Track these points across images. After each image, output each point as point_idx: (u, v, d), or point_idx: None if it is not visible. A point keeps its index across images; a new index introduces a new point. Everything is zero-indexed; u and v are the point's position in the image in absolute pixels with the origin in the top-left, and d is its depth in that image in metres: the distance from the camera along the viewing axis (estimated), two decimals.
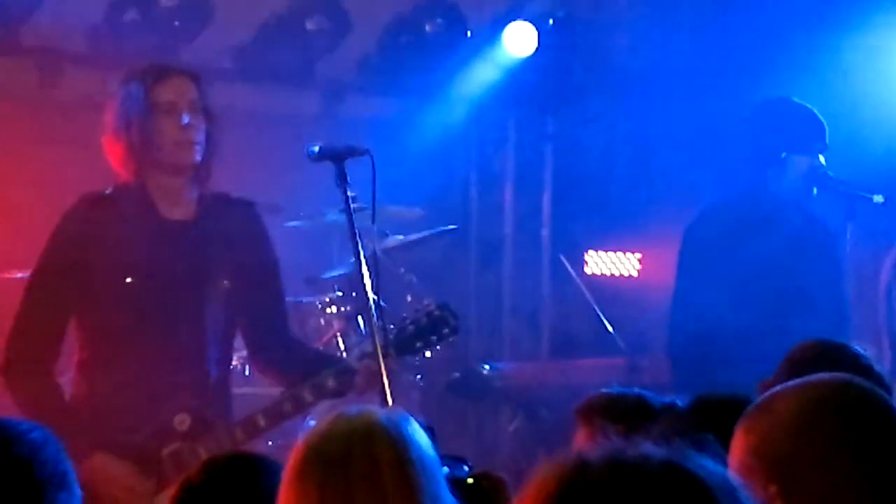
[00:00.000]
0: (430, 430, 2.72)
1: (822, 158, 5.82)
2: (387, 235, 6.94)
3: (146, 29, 7.06)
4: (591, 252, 8.62)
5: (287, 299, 6.71)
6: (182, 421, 4.72)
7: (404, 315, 5.15)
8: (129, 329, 4.77)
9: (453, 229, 7.25)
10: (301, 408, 4.79)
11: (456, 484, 2.74)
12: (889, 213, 5.90)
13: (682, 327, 5.87)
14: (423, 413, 7.01)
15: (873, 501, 2.36)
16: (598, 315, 7.72)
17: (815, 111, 5.88)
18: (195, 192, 4.91)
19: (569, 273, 8.08)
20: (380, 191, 7.00)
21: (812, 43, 7.50)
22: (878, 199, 5.79)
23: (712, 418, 2.84)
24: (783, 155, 5.76)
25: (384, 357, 4.68)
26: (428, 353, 5.16)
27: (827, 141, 5.83)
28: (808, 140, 5.82)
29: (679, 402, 3.28)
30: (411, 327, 4.98)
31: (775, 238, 5.76)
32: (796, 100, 5.98)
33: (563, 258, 8.18)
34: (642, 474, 1.80)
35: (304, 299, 6.72)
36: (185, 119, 4.79)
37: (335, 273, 6.82)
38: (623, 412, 3.31)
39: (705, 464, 1.84)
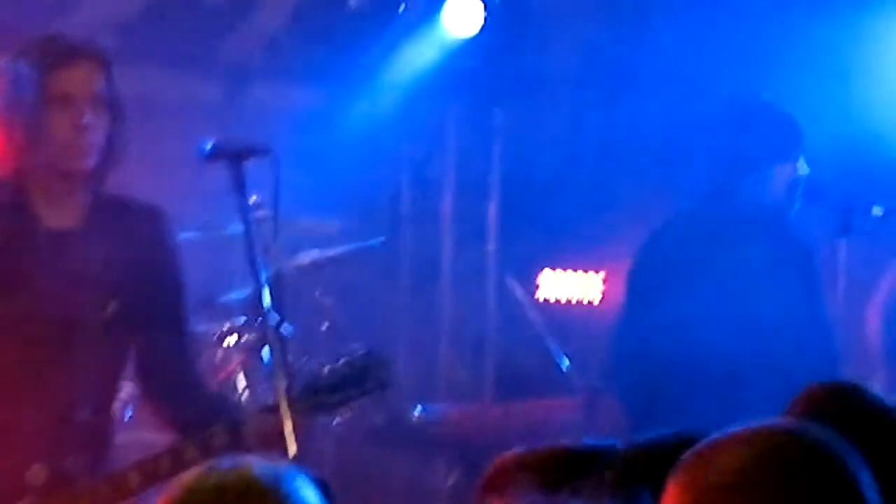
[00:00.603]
0: (324, 487, 2.61)
1: (802, 164, 5.75)
2: (299, 251, 6.87)
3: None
4: (545, 271, 8.56)
5: None
6: (37, 473, 4.55)
7: (321, 361, 4.96)
8: None
9: (380, 243, 7.20)
10: (182, 466, 4.44)
11: None
12: (889, 227, 5.90)
13: (630, 364, 5.82)
14: (338, 466, 6.96)
15: None
16: (552, 348, 7.61)
17: (786, 110, 5.84)
18: (87, 195, 4.72)
19: (518, 297, 7.95)
20: (292, 197, 6.81)
21: (802, 37, 7.43)
22: (877, 211, 5.79)
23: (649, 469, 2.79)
24: (759, 166, 5.71)
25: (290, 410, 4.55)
26: (343, 412, 5.04)
27: (804, 142, 5.78)
28: (789, 145, 5.75)
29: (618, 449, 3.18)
30: (327, 377, 4.80)
31: (745, 257, 5.70)
32: (767, 98, 6.02)
33: (510, 280, 8.07)
34: None
35: (198, 327, 6.34)
36: (85, 118, 4.59)
37: (236, 296, 6.71)
38: (548, 468, 3.06)
39: None
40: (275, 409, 4.57)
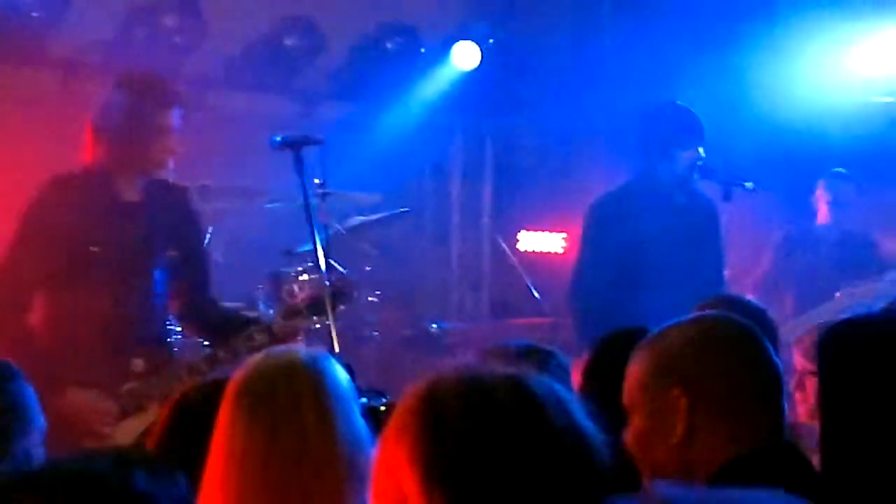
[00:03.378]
0: (348, 367, 2.65)
1: (701, 151, 5.82)
2: (350, 216, 6.88)
3: (152, 43, 6.96)
4: (524, 232, 8.58)
5: (267, 269, 6.85)
6: (137, 364, 4.63)
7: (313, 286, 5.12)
8: (94, 289, 4.62)
9: (406, 212, 7.13)
10: (234, 356, 4.57)
11: (371, 412, 2.69)
12: (758, 196, 6.00)
13: (584, 285, 5.83)
14: (381, 364, 6.97)
15: (757, 399, 2.51)
16: (528, 284, 7.73)
17: (693, 112, 5.88)
18: (143, 178, 4.80)
19: (505, 250, 8.05)
20: (346, 180, 6.97)
21: (705, 62, 7.46)
22: (749, 185, 5.86)
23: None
24: (671, 151, 5.78)
25: (299, 317, 4.75)
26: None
27: (704, 136, 5.83)
28: (690, 136, 5.80)
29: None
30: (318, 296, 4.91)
31: (664, 213, 5.76)
32: (679, 103, 5.97)
33: (499, 239, 8.11)
34: (486, 384, 1.80)
35: (282, 269, 6.50)
36: (175, 140, 4.70)
37: (308, 247, 6.74)
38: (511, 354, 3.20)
39: (544, 380, 1.84)
40: (292, 315, 4.73)
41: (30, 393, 2.58)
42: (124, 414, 4.59)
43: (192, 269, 4.92)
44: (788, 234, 7.13)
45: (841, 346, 2.68)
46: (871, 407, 2.54)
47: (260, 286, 6.65)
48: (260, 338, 4.66)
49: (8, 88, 6.89)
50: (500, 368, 1.83)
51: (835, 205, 6.94)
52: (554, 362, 3.07)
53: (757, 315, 3.48)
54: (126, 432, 4.56)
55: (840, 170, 7.03)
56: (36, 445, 2.53)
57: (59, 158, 6.44)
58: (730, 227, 6.03)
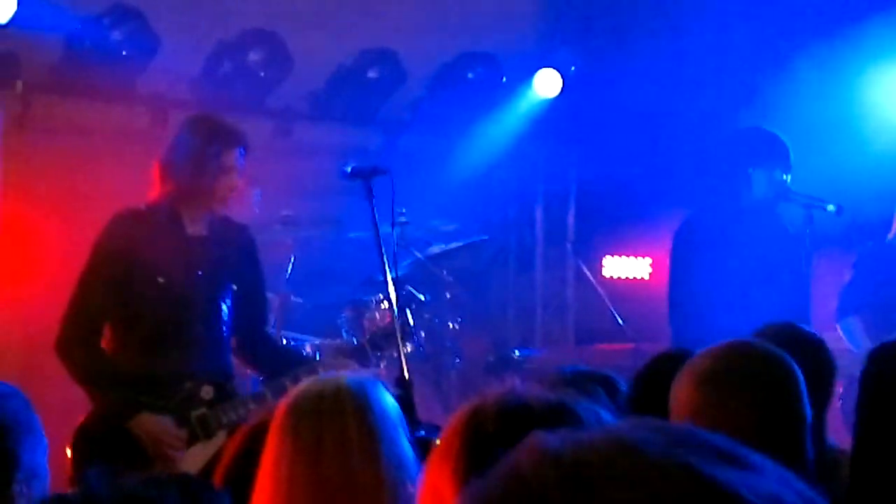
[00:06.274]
0: (398, 395, 2.70)
1: (787, 178, 5.75)
2: (430, 245, 6.97)
3: (238, 78, 7.10)
4: (608, 258, 8.61)
5: (349, 297, 6.93)
6: (207, 391, 4.75)
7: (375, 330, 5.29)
8: (163, 319, 4.74)
9: (486, 239, 7.18)
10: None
11: (422, 443, 2.67)
12: (842, 220, 5.90)
13: (681, 308, 5.83)
14: (462, 391, 7.02)
15: (762, 422, 2.57)
16: (612, 310, 7.70)
17: (779, 135, 5.83)
18: (208, 214, 4.91)
19: (588, 276, 8.05)
20: (428, 209, 7.03)
21: (787, 91, 7.38)
22: (832, 208, 5.75)
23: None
24: (749, 170, 5.76)
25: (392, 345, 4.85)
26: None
27: (790, 162, 5.77)
28: (769, 158, 5.75)
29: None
30: (380, 335, 5.15)
31: (746, 236, 5.73)
32: (763, 127, 5.93)
33: (582, 265, 8.12)
34: (528, 407, 1.82)
35: (364, 297, 6.70)
36: (237, 181, 4.81)
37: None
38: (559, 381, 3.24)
39: (588, 404, 1.86)
40: (351, 352, 4.90)
41: (35, 415, 2.65)
42: (193, 440, 4.73)
43: (250, 303, 5.02)
44: (868, 251, 6.93)
45: (883, 366, 2.67)
46: None
47: (343, 314, 6.77)
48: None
49: (99, 125, 7.07)
50: (544, 393, 1.86)
51: None
52: (601, 389, 3.08)
53: (812, 346, 3.41)
54: (194, 458, 4.67)
55: None
56: (43, 464, 2.61)
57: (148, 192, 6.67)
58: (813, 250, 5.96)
